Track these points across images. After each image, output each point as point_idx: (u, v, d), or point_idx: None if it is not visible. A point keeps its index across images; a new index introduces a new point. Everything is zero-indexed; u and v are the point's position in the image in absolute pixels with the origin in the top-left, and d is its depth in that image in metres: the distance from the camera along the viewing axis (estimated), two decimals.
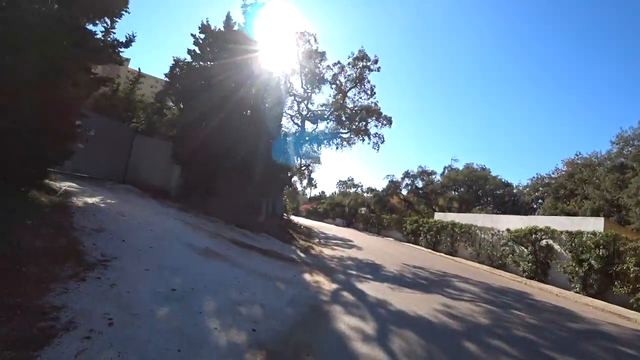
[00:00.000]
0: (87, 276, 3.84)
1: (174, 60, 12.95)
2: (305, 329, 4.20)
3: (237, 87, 13.53)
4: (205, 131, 12.28)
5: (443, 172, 42.69)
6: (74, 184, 8.64)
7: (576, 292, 11.64)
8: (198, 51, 13.46)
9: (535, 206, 32.24)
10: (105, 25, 6.04)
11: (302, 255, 10.11)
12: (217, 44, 13.72)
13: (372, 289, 7.21)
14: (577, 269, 11.84)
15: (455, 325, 5.45)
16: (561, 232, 13.33)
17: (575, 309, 8.82)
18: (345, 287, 6.98)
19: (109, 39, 5.80)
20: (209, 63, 13.57)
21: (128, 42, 6.01)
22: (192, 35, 13.56)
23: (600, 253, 10.92)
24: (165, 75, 12.97)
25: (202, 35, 13.66)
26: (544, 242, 14.14)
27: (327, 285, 6.87)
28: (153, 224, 7.22)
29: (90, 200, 7.36)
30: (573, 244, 12.36)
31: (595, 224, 12.54)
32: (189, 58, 13.27)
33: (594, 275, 11.19)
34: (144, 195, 11.10)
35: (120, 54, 6.04)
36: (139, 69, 24.11)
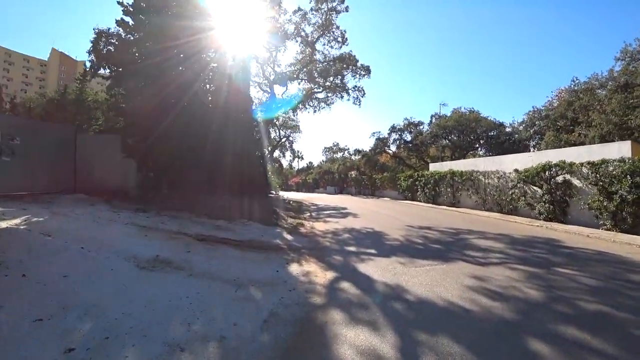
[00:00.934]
0: None
1: (96, 32, 10.42)
2: None
3: (188, 56, 11.38)
4: (157, 113, 10.29)
5: (431, 121, 40.82)
6: None
7: (606, 230, 10.32)
8: (129, 20, 11.12)
9: (534, 143, 30.61)
10: None
11: (288, 237, 8.53)
12: (153, 8, 11.39)
13: (378, 269, 5.72)
14: (605, 203, 10.44)
15: (501, 310, 3.94)
16: (581, 165, 11.75)
17: (621, 253, 7.41)
18: (345, 275, 5.43)
19: None
20: (144, 33, 11.30)
21: None
22: (118, 3, 11.16)
23: (636, 181, 9.40)
24: (88, 52, 10.50)
25: (131, 1, 11.30)
26: (560, 178, 12.70)
27: (321, 276, 5.30)
28: (88, 239, 5.52)
29: (4, 224, 5.62)
30: (598, 176, 10.84)
31: (620, 150, 10.95)
32: (120, 30, 10.94)
33: (628, 209, 9.74)
34: (95, 201, 9.31)
35: None
36: (86, 65, 21.43)
